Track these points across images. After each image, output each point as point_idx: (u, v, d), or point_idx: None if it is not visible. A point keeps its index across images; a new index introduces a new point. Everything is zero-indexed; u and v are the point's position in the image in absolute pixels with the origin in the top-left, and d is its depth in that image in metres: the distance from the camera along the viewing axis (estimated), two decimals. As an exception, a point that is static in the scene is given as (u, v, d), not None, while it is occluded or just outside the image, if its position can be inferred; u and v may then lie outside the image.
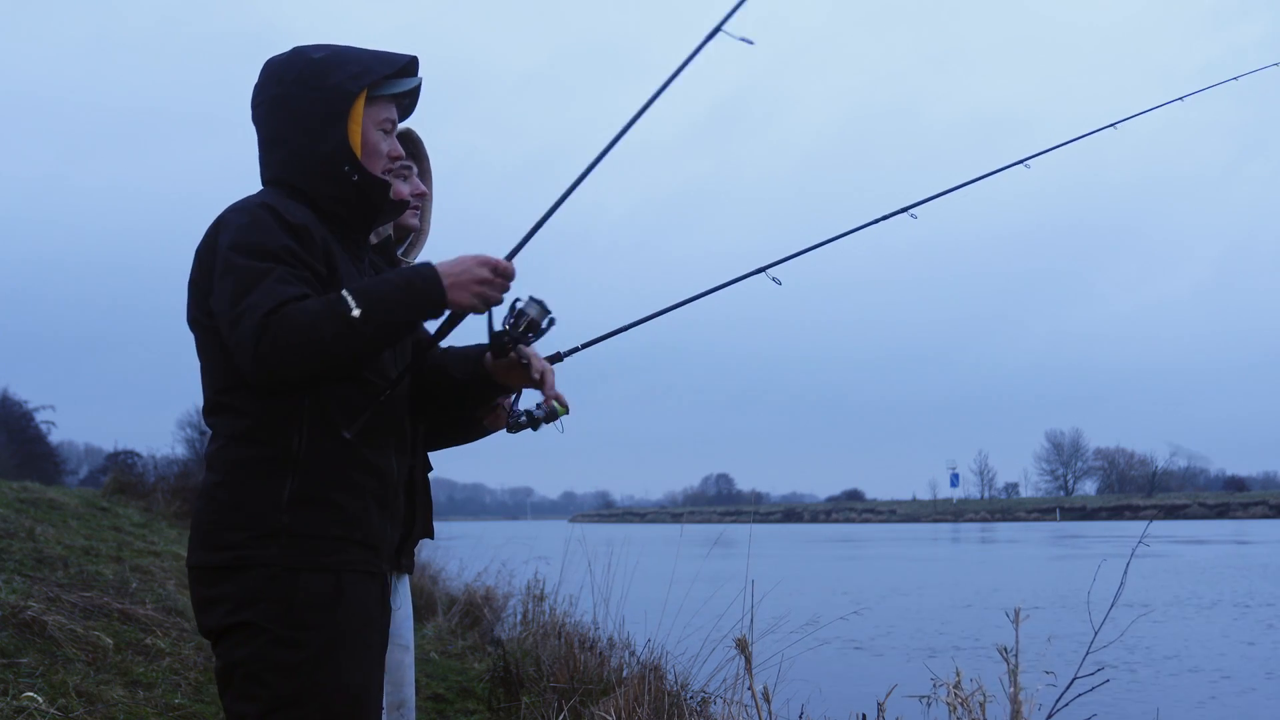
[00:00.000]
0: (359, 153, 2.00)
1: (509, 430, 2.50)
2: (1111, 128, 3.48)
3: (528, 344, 2.18)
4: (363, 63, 2.00)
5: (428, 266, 1.88)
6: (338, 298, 1.79)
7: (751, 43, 2.29)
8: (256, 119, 2.05)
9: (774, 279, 2.80)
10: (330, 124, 1.96)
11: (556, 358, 2.55)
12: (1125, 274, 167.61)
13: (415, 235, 2.67)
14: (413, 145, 2.60)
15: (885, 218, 3.03)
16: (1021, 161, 3.30)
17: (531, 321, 2.14)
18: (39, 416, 47.77)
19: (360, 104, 1.99)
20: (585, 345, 2.61)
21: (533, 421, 2.46)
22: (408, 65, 2.07)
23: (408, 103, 2.14)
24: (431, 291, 1.85)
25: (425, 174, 2.64)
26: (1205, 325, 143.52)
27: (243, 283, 1.80)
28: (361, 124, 2.00)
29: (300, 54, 2.02)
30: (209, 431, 1.98)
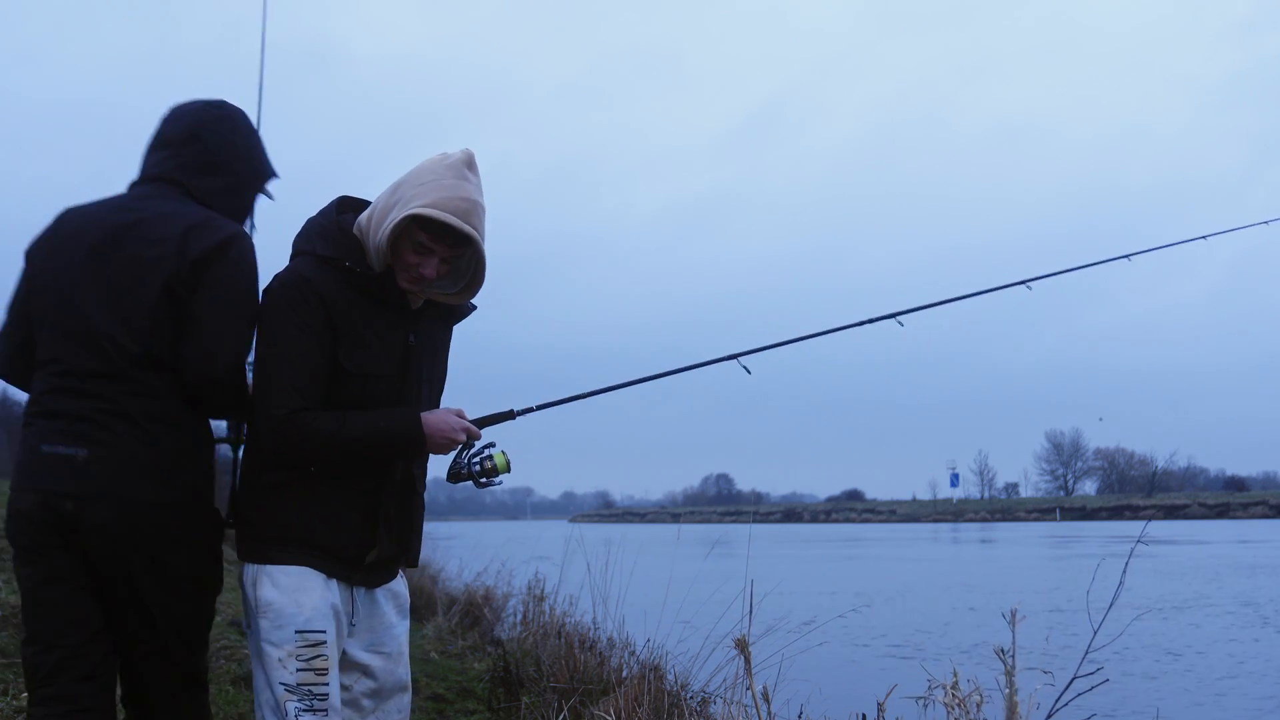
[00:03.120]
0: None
1: (449, 479, 2.56)
2: (1126, 259, 3.36)
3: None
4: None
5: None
6: None
7: None
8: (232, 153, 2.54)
9: (744, 368, 2.80)
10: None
11: (508, 415, 2.60)
12: (1140, 277, 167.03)
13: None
14: (450, 237, 2.35)
15: (869, 321, 2.94)
16: (1024, 282, 3.18)
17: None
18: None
19: None
20: (540, 407, 2.65)
21: (471, 476, 2.54)
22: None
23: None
24: None
25: (479, 262, 2.44)
26: (1217, 328, 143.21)
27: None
28: None
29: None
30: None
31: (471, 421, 2.50)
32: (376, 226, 2.37)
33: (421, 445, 2.40)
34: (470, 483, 2.54)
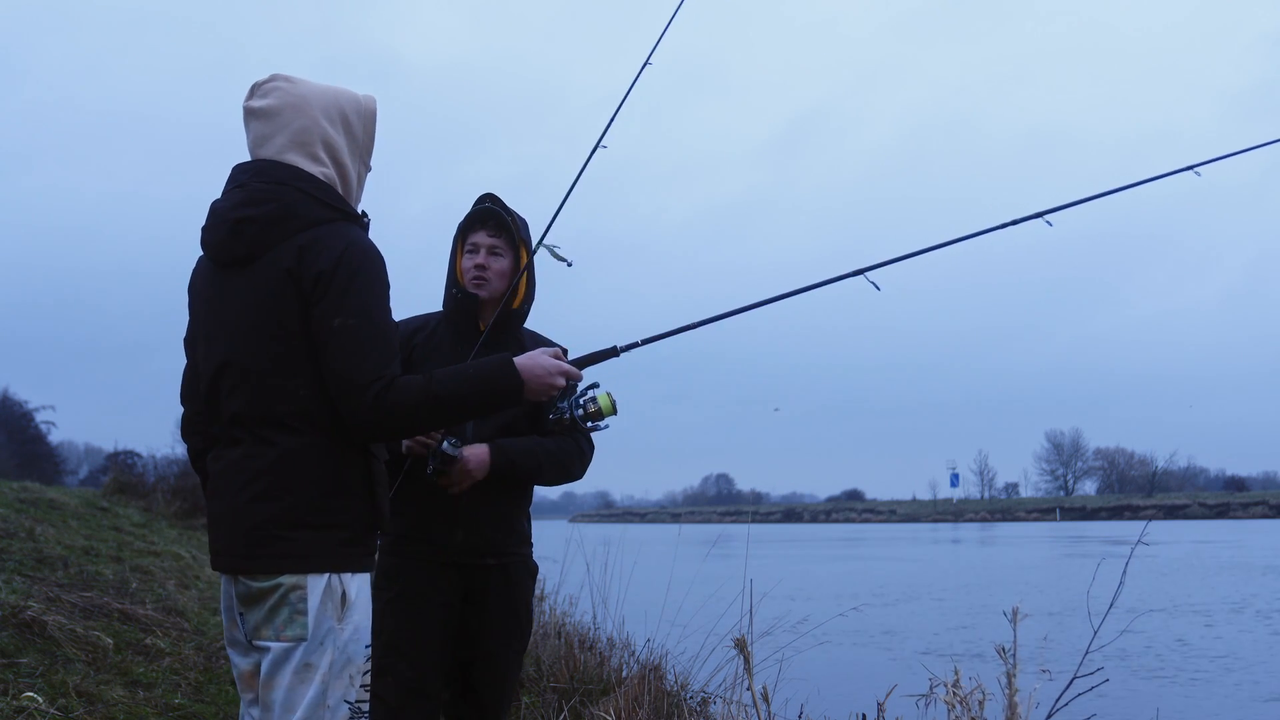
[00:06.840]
0: None
1: (551, 428, 2.41)
2: None
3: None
4: None
5: None
6: None
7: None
8: None
9: (873, 284, 2.59)
10: None
11: (611, 352, 2.44)
12: (1155, 281, 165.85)
13: None
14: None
15: (1018, 221, 2.76)
16: (1191, 168, 2.99)
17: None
18: (39, 416, 47.77)
19: None
20: (645, 341, 2.48)
21: (575, 423, 2.33)
22: None
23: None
24: None
25: None
26: (1228, 331, 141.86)
27: None
28: None
29: None
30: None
31: (570, 362, 2.30)
32: (360, 145, 2.19)
33: (520, 391, 2.16)
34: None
